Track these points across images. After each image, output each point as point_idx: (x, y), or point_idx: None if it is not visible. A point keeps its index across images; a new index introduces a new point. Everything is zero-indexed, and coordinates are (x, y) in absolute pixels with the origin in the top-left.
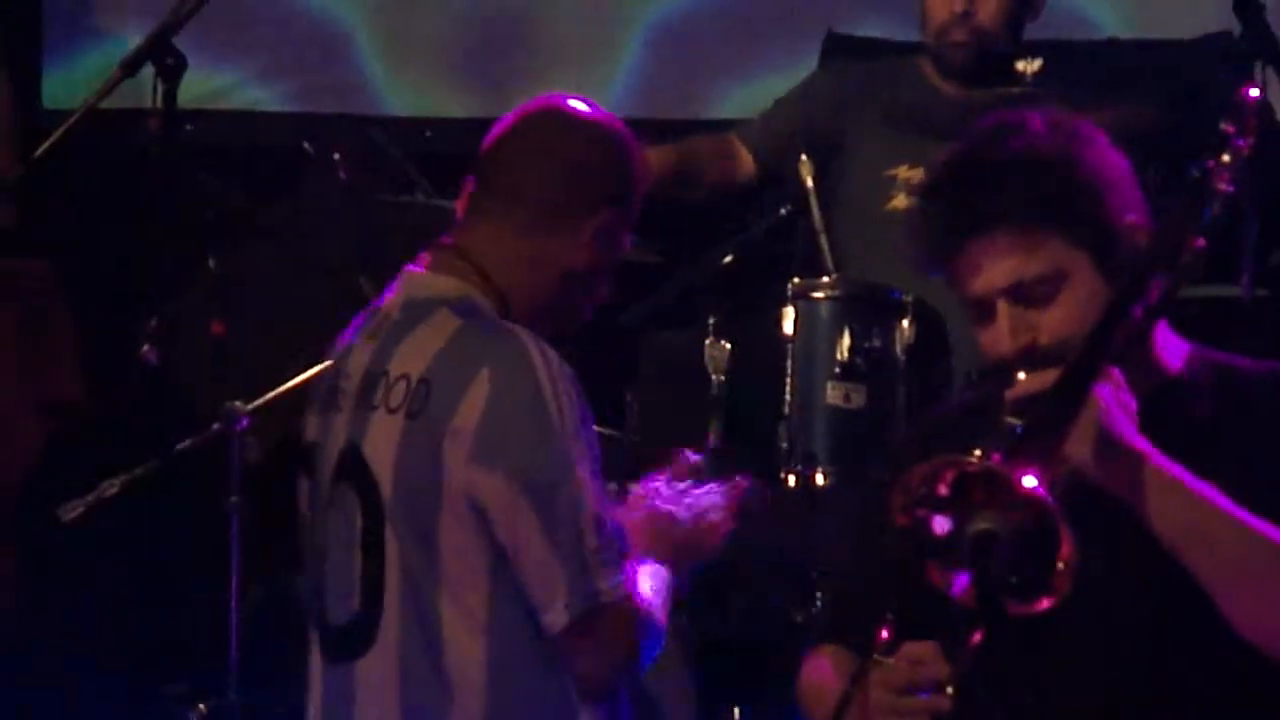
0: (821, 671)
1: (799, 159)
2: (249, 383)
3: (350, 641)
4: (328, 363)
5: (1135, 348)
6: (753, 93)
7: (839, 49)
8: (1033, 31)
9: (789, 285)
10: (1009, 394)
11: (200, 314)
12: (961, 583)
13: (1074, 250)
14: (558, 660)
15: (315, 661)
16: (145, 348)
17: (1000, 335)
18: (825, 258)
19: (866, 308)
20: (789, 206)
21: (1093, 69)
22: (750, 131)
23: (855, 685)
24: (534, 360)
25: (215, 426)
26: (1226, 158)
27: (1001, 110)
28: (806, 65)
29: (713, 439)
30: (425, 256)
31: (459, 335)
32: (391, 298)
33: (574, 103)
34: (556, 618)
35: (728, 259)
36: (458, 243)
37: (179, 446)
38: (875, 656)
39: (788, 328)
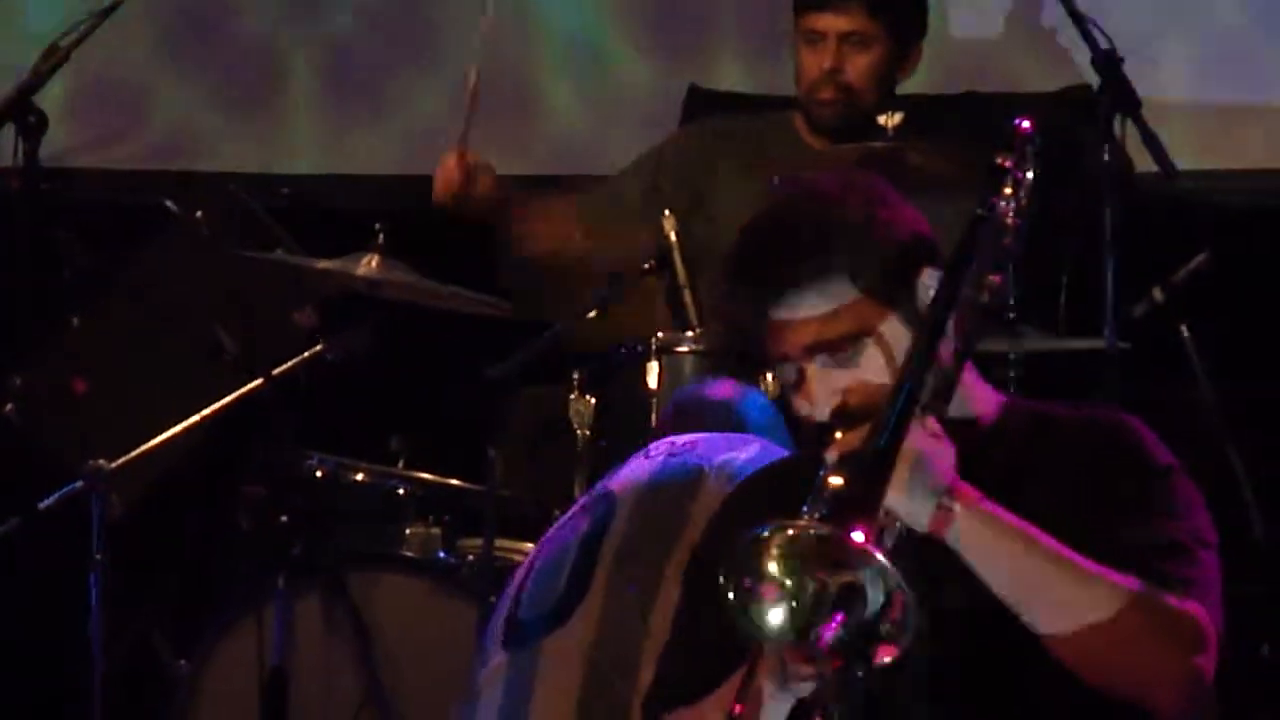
0: None
1: (662, 217)
2: (112, 439)
3: (541, 624)
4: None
5: (947, 395)
6: None
7: (702, 104)
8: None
9: (653, 340)
10: (827, 453)
11: (62, 371)
12: (826, 637)
13: (877, 308)
14: None
15: (490, 663)
16: (8, 406)
17: (811, 397)
18: (689, 312)
19: (731, 361)
20: (651, 262)
21: (953, 120)
22: (597, 199)
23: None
24: None
25: (78, 484)
26: (1008, 190)
27: (796, 177)
28: None
29: (577, 492)
30: None
31: None
32: None
33: None
34: None
35: (591, 314)
36: None
37: (42, 505)
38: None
39: (652, 382)
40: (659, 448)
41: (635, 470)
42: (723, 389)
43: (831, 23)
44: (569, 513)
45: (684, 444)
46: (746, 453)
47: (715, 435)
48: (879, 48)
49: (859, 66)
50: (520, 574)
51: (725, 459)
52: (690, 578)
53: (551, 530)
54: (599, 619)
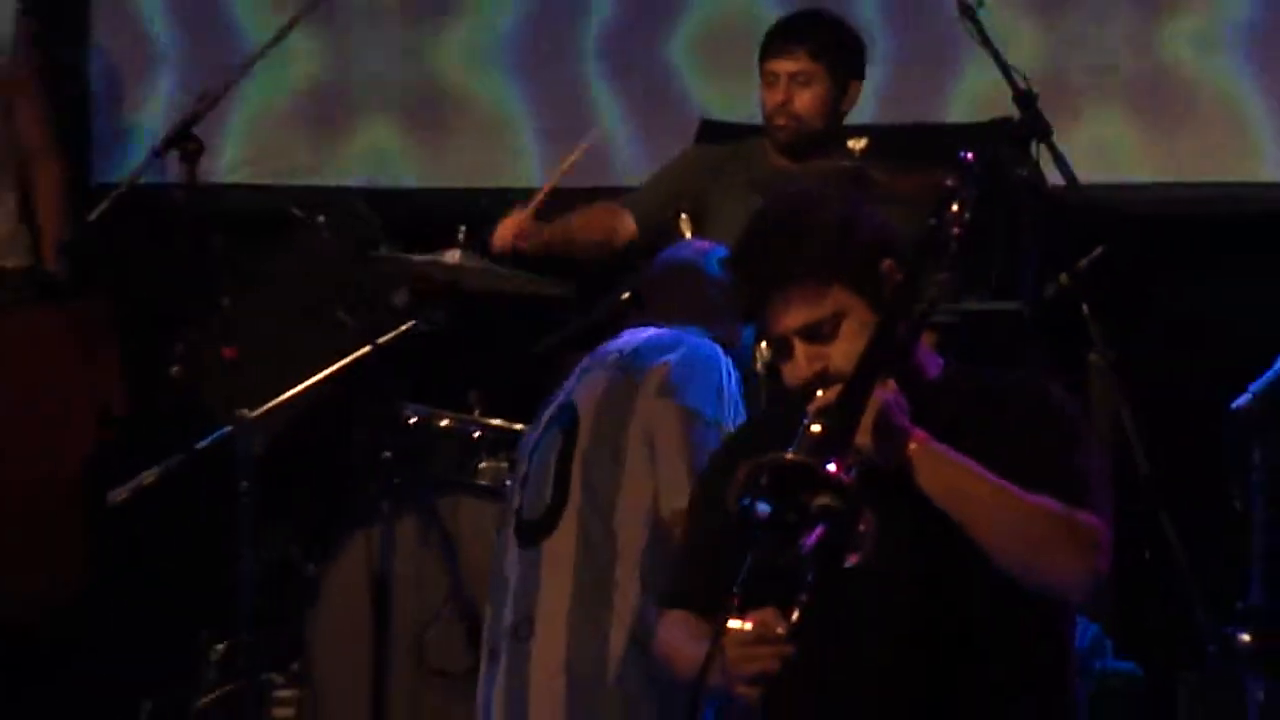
0: (676, 634)
1: (679, 217)
2: (254, 394)
3: (540, 527)
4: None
5: (903, 361)
6: None
7: (711, 132)
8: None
9: None
10: (810, 406)
11: (216, 342)
12: (809, 543)
13: (850, 295)
14: None
15: (510, 554)
16: (174, 369)
17: (798, 366)
18: None
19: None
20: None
21: (907, 145)
22: (635, 202)
23: (715, 645)
24: None
25: (228, 429)
26: (955, 207)
27: (793, 184)
28: None
29: None
30: None
31: None
32: None
33: None
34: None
35: (625, 295)
36: None
37: (200, 445)
38: (728, 623)
39: None
40: (609, 355)
41: (591, 384)
42: (688, 250)
43: (782, 65)
44: (542, 421)
45: (628, 353)
46: (676, 354)
47: (651, 340)
48: (820, 85)
49: (805, 100)
50: (519, 480)
51: (659, 364)
52: (695, 504)
53: (533, 438)
54: (578, 524)
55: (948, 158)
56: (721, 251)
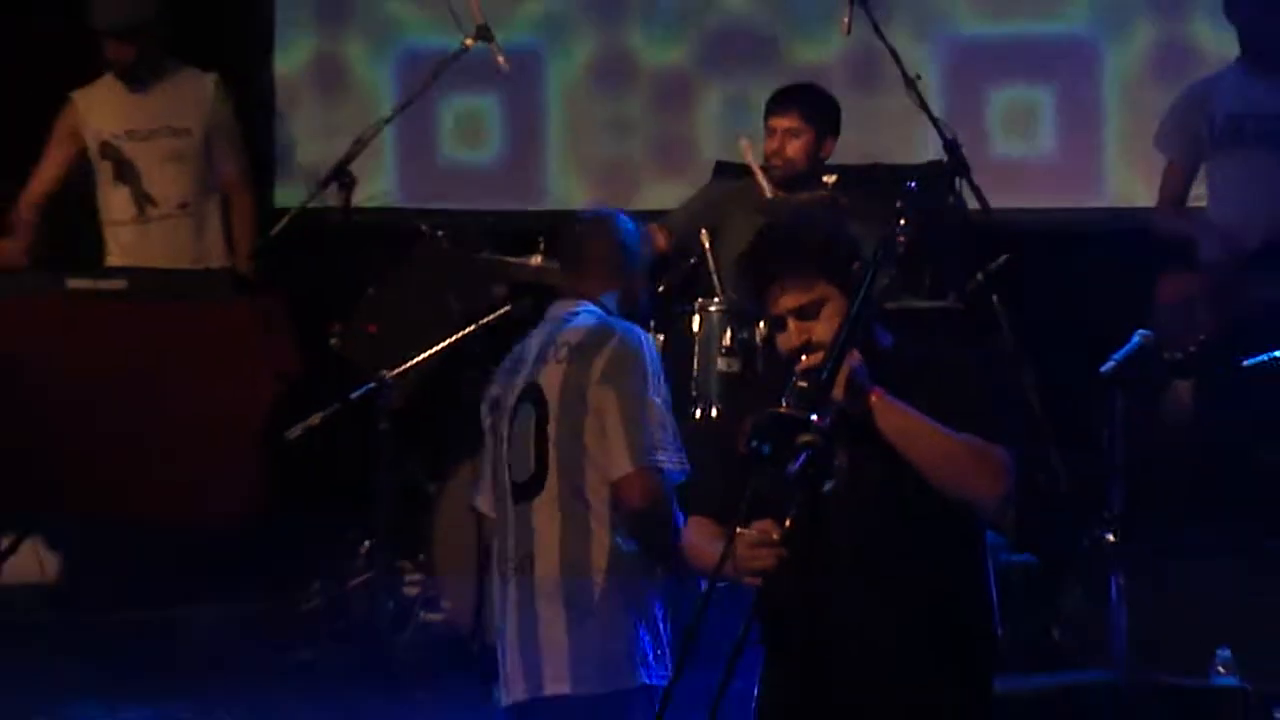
0: (699, 535)
1: (700, 232)
2: (392, 359)
3: (530, 488)
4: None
5: (863, 336)
6: None
7: (724, 169)
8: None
9: (695, 302)
10: (797, 369)
11: (363, 319)
12: (793, 469)
13: (830, 287)
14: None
15: (507, 507)
16: (332, 340)
17: (790, 337)
18: (716, 287)
19: (739, 315)
20: (693, 260)
21: (866, 179)
22: (669, 220)
23: (728, 547)
24: None
25: (372, 384)
26: (902, 222)
27: (797, 206)
28: None
29: None
30: None
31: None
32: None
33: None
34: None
35: (660, 288)
36: None
37: (351, 396)
38: (738, 529)
39: (695, 327)
40: (559, 346)
41: (552, 374)
42: (598, 212)
43: (779, 122)
44: (514, 397)
45: (575, 346)
46: (612, 345)
47: (592, 334)
48: (805, 137)
49: (794, 147)
50: (503, 441)
51: (600, 358)
52: (713, 441)
53: (502, 398)
54: (557, 489)
55: (896, 188)
56: (626, 218)
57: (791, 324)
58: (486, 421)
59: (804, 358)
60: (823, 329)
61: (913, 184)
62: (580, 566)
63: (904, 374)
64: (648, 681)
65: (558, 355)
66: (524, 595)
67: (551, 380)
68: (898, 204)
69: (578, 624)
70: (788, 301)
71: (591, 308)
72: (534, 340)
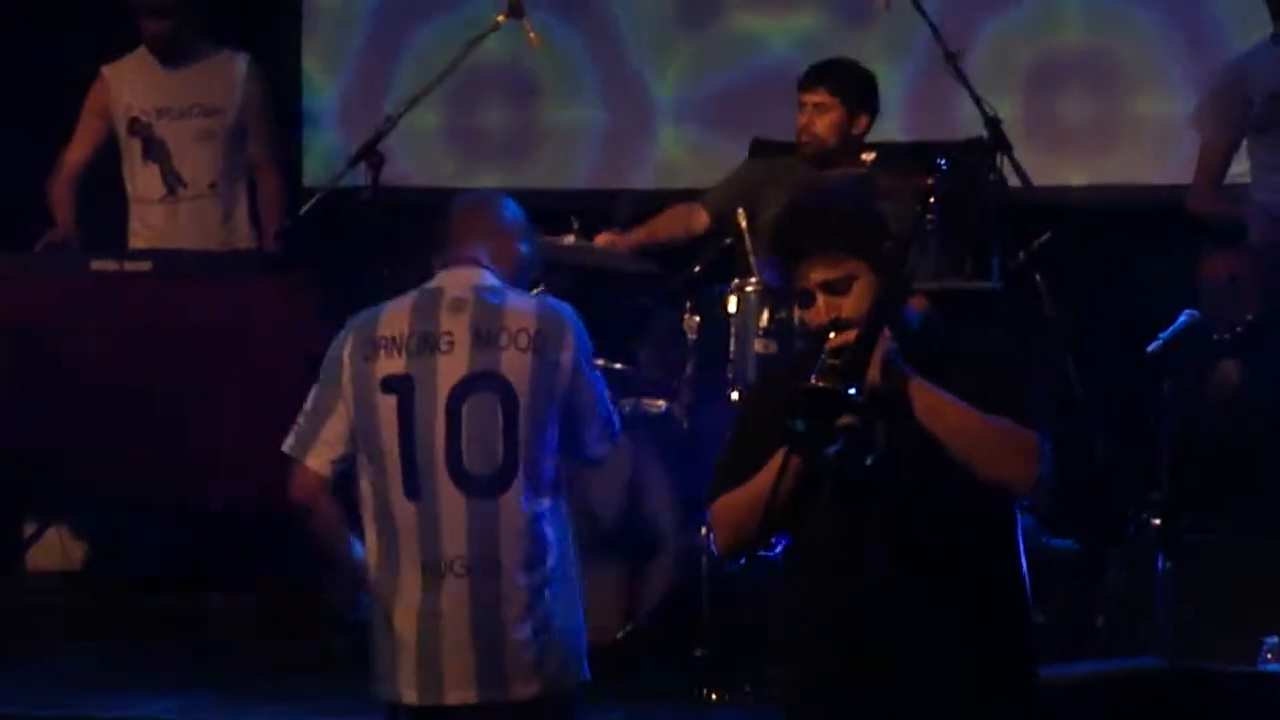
0: (722, 504)
1: (738, 212)
2: None
3: (495, 483)
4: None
5: (894, 315)
6: None
7: (761, 148)
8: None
9: (732, 283)
10: (828, 345)
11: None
12: (833, 450)
13: (860, 264)
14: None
15: (446, 494)
16: None
17: (819, 313)
18: (753, 268)
19: (776, 296)
20: (729, 240)
21: (902, 156)
22: (708, 199)
23: (781, 473)
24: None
25: None
26: (932, 200)
27: (827, 181)
28: None
29: (689, 370)
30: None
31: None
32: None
33: None
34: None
35: (697, 269)
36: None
37: None
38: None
39: (732, 308)
40: (519, 338)
41: (515, 362)
42: (479, 193)
43: (809, 97)
44: (453, 381)
45: (534, 334)
46: (572, 334)
47: (528, 312)
48: (834, 113)
49: (823, 123)
50: (436, 432)
51: (565, 348)
52: (738, 423)
53: (452, 395)
54: (525, 485)
55: (930, 163)
56: (508, 199)
57: (820, 299)
58: (376, 396)
59: (833, 335)
60: (851, 306)
61: (942, 162)
62: (538, 565)
63: (933, 355)
64: (587, 677)
65: (517, 342)
66: (480, 596)
67: (516, 369)
68: (927, 182)
69: (541, 626)
70: (818, 274)
71: (495, 280)
72: (449, 315)
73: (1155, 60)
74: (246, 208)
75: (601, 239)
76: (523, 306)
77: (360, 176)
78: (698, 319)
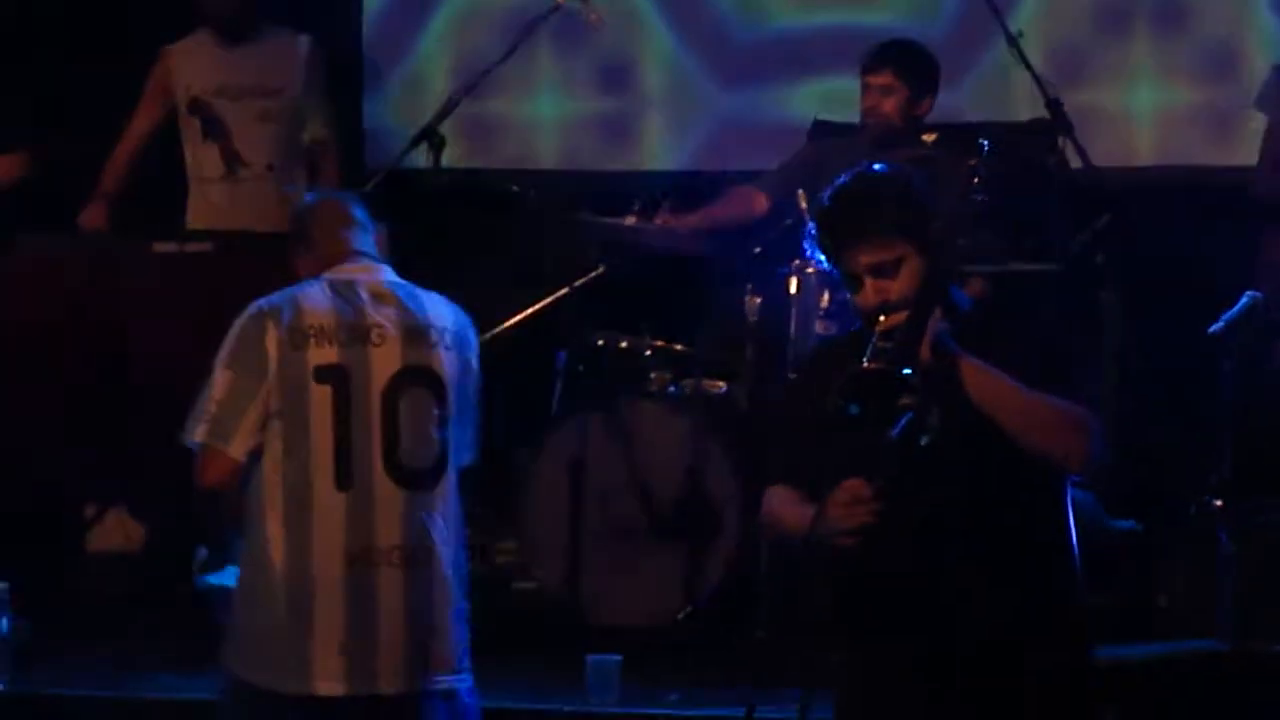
0: (780, 502)
1: (798, 193)
2: (483, 323)
3: (429, 477)
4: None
5: (944, 297)
6: None
7: (821, 129)
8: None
9: (792, 264)
10: (878, 327)
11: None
12: (895, 432)
13: (908, 245)
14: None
15: (381, 486)
16: None
17: (868, 296)
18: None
19: (836, 277)
20: (790, 221)
21: (964, 138)
22: (766, 182)
23: (823, 504)
24: None
25: None
26: (976, 180)
27: (874, 164)
28: None
29: (749, 353)
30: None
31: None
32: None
33: None
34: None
35: (757, 250)
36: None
37: None
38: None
39: (793, 289)
40: (445, 337)
41: (444, 360)
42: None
43: (873, 78)
44: (387, 375)
45: (451, 332)
46: (473, 333)
47: (446, 311)
48: (899, 95)
49: (888, 104)
50: (371, 424)
51: (472, 347)
52: (787, 407)
53: (388, 388)
54: (452, 477)
55: (996, 147)
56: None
57: (869, 282)
58: (309, 386)
59: (883, 318)
60: (900, 289)
61: (984, 142)
62: (458, 558)
63: (982, 334)
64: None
65: (444, 340)
66: (416, 586)
67: (445, 367)
68: (970, 163)
69: (457, 616)
70: (866, 257)
71: (396, 276)
72: (373, 308)
73: (1218, 43)
74: (307, 187)
75: (661, 220)
76: (440, 306)
77: (421, 158)
78: (758, 300)
